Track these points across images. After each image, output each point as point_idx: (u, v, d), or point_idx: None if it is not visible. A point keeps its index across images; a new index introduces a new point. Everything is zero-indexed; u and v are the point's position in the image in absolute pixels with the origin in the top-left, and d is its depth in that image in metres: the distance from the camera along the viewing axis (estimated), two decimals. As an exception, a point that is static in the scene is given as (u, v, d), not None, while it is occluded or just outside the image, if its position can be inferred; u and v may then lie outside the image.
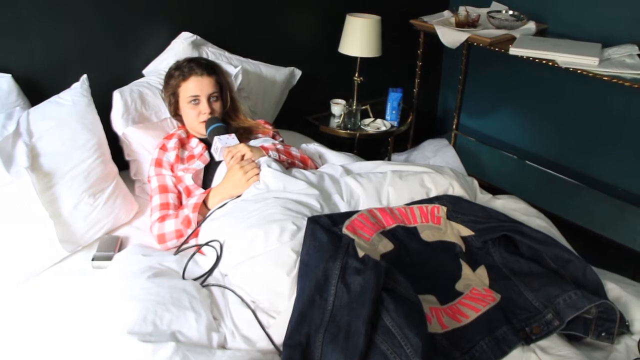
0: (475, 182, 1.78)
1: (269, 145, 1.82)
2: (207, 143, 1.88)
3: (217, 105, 1.90)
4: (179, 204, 1.76)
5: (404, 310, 1.15)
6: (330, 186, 1.62)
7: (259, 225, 1.39)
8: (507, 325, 1.22)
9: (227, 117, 1.97)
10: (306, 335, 1.17)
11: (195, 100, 1.86)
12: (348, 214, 1.48)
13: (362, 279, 1.20)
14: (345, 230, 1.41)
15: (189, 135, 1.96)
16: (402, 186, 1.62)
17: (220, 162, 1.81)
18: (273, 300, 1.31)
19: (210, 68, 1.90)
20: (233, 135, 1.81)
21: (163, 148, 1.88)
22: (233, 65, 2.17)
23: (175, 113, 1.96)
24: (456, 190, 1.65)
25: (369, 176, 1.66)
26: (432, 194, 1.63)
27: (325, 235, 1.32)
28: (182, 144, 1.92)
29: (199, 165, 1.82)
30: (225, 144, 1.77)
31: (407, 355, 1.08)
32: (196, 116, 1.87)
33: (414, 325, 1.12)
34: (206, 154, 1.86)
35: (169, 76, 1.91)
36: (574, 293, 1.24)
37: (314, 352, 1.15)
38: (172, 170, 1.83)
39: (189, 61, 1.90)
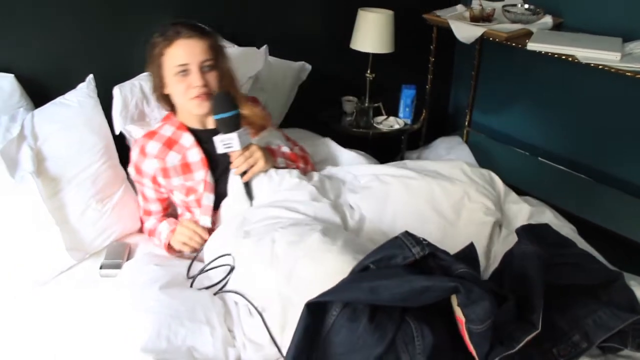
0: (495, 176, 1.71)
1: (276, 148, 1.67)
2: (208, 136, 1.57)
3: (211, 77, 1.54)
4: (166, 208, 1.70)
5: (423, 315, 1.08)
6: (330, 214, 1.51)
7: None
8: (535, 347, 1.11)
9: None
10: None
11: (184, 70, 1.52)
12: None
13: None
14: None
15: (178, 127, 1.62)
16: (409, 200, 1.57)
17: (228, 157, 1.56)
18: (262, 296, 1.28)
19: (201, 29, 1.55)
20: (246, 128, 1.52)
21: (142, 151, 1.60)
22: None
23: (161, 95, 1.62)
24: (473, 197, 1.57)
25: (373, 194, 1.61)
26: (445, 207, 1.55)
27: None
28: (170, 145, 1.60)
29: (208, 199, 1.58)
30: (232, 147, 1.50)
31: (414, 347, 1.01)
32: (185, 90, 1.54)
33: (431, 324, 1.05)
34: (206, 176, 1.58)
35: (152, 46, 1.56)
36: (603, 312, 1.15)
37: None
38: (155, 182, 1.61)
39: (174, 24, 1.55)
